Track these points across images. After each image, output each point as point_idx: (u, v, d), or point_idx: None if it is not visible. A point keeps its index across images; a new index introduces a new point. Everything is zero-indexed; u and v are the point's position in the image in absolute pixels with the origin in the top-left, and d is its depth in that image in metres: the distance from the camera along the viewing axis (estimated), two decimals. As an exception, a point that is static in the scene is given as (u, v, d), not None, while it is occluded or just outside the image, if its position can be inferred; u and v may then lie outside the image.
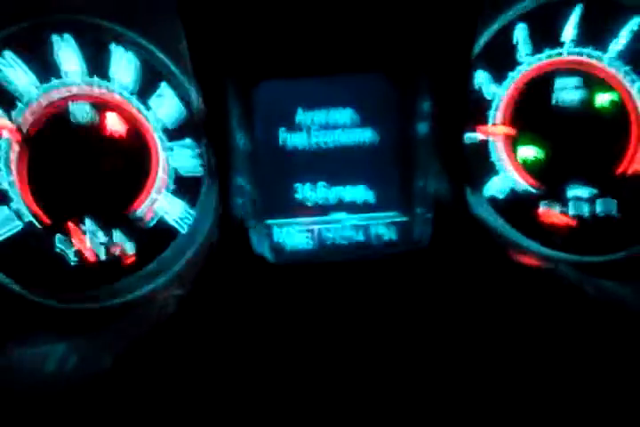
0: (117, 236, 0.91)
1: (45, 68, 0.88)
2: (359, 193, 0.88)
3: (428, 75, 0.80)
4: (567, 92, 0.97)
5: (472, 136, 0.96)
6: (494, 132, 0.97)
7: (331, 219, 0.87)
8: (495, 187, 0.98)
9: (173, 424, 0.68)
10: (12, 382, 0.73)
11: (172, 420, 0.68)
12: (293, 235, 0.87)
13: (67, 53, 0.89)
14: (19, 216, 0.90)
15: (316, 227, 0.87)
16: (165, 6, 0.79)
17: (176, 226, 0.93)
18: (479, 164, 0.97)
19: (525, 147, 0.97)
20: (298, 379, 0.71)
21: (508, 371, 0.70)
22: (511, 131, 0.97)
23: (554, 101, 0.97)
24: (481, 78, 0.96)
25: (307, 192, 0.87)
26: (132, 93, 0.90)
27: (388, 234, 0.88)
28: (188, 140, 0.92)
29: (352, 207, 0.87)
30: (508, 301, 0.76)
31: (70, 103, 0.90)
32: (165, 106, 0.91)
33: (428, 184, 0.83)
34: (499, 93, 0.97)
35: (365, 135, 0.87)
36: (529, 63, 0.96)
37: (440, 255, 0.81)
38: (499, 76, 0.96)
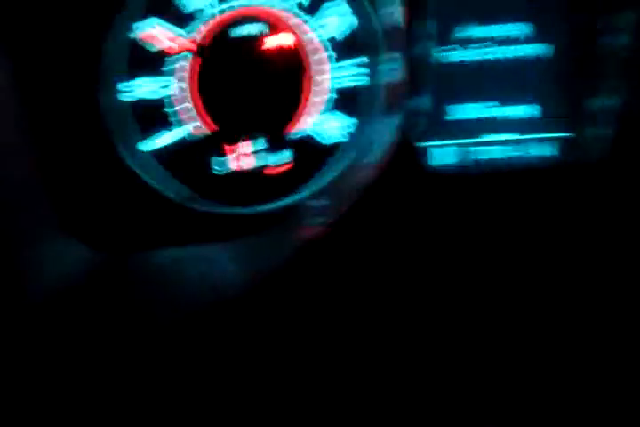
0: (280, 152, 0.94)
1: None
2: (531, 111, 0.86)
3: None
4: None
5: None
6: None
7: (501, 138, 0.87)
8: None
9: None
10: (187, 284, 0.79)
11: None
12: (463, 153, 0.87)
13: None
14: (187, 124, 0.91)
15: (483, 146, 0.87)
16: None
17: (337, 139, 0.94)
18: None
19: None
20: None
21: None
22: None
23: None
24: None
25: (477, 111, 0.87)
26: (306, 11, 0.90)
27: (561, 150, 0.87)
28: (360, 59, 0.91)
29: (525, 126, 0.87)
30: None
31: (245, 21, 0.90)
32: (340, 23, 0.89)
33: (616, 100, 0.81)
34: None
35: (542, 49, 0.84)
36: None
37: (619, 170, 0.80)
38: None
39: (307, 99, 0.92)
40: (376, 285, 0.81)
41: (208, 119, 0.91)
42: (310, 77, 0.91)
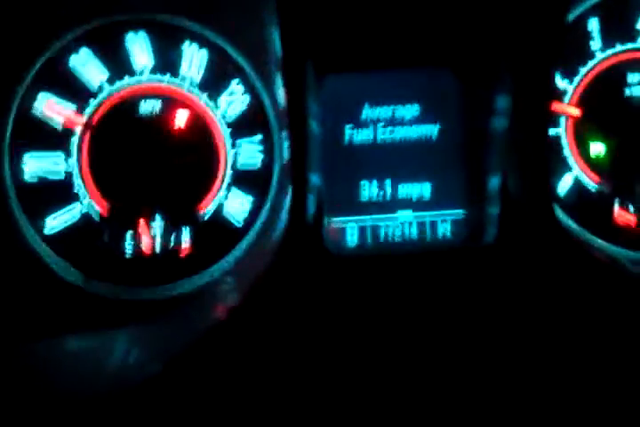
0: (181, 232, 0.92)
1: (118, 66, 0.89)
2: (424, 190, 0.87)
3: (510, 71, 0.79)
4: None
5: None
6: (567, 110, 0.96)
7: (396, 216, 0.87)
8: (566, 184, 0.96)
9: (239, 419, 0.69)
10: (73, 376, 0.74)
11: (237, 416, 0.69)
12: (359, 234, 0.87)
13: (140, 50, 0.90)
14: (79, 205, 0.90)
15: (380, 224, 0.87)
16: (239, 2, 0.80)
17: (238, 218, 0.93)
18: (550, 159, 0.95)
19: (594, 143, 0.96)
20: (367, 365, 0.71)
21: (580, 367, 0.70)
22: (579, 112, 0.96)
23: (625, 96, 0.95)
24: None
25: (373, 190, 0.87)
26: (202, 91, 0.91)
27: (453, 231, 0.87)
28: (256, 137, 0.93)
29: (418, 205, 0.87)
30: (584, 297, 0.75)
31: (140, 99, 0.91)
32: (235, 103, 0.92)
33: (500, 181, 0.82)
34: (569, 88, 0.95)
35: (430, 130, 0.86)
36: (600, 58, 0.94)
37: (508, 252, 0.81)
38: (570, 71, 0.95)
39: (213, 176, 0.92)
40: (282, 364, 0.77)
41: (101, 198, 0.90)
42: (215, 155, 0.93)
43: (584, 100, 0.96)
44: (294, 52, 0.77)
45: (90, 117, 0.89)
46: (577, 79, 0.95)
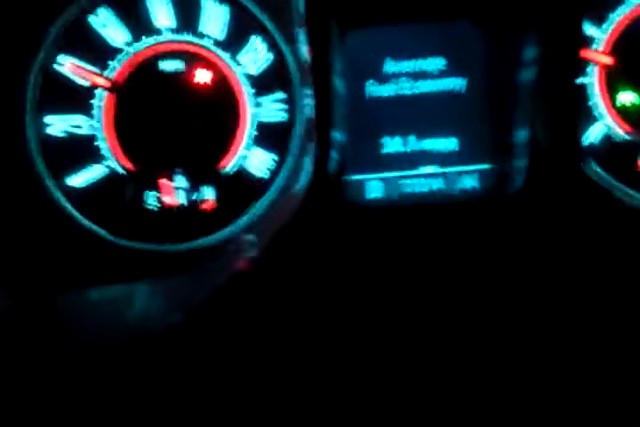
0: (204, 189, 0.93)
1: (139, 25, 0.89)
2: (450, 144, 0.86)
3: (536, 21, 0.77)
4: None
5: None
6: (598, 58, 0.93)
7: (420, 172, 0.87)
8: (593, 134, 0.94)
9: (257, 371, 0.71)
10: (93, 325, 0.77)
11: (254, 368, 0.71)
12: (383, 188, 0.87)
13: (159, 9, 0.89)
14: (103, 162, 0.92)
15: (405, 178, 0.87)
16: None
17: (260, 175, 0.94)
18: (578, 109, 0.93)
19: (624, 92, 0.93)
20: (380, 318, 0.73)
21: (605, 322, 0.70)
22: (610, 60, 0.93)
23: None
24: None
25: (396, 145, 0.86)
26: (222, 48, 0.91)
27: (480, 183, 0.87)
28: (278, 94, 0.92)
29: (444, 159, 0.86)
30: (612, 245, 0.75)
31: (162, 58, 0.90)
32: (256, 60, 0.91)
33: (528, 133, 0.81)
34: (598, 35, 0.92)
35: (456, 84, 0.85)
36: (633, 4, 0.91)
37: (535, 201, 0.80)
38: (600, 18, 0.91)
39: (235, 134, 0.92)
40: (305, 318, 0.79)
41: (125, 157, 0.91)
42: (237, 113, 0.92)
43: (616, 48, 0.92)
44: (317, 8, 0.76)
45: (112, 78, 0.89)
46: (608, 26, 0.92)
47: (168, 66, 0.90)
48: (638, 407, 0.67)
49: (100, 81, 0.89)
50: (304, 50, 0.80)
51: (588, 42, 0.92)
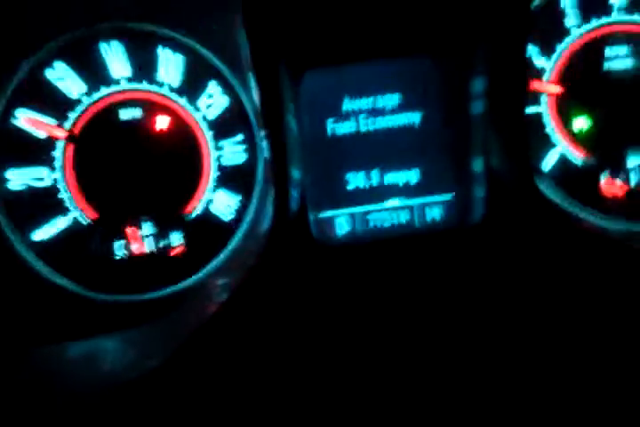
0: (172, 235, 0.93)
1: (95, 75, 0.89)
2: (413, 176, 0.87)
3: (484, 53, 0.79)
4: (618, 60, 0.95)
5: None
6: (546, 88, 0.96)
7: (386, 206, 0.87)
8: (552, 160, 0.96)
9: (233, 416, 0.69)
10: (69, 381, 0.75)
11: (231, 412, 0.69)
12: (351, 223, 0.87)
13: (116, 59, 0.90)
14: (67, 213, 0.91)
15: (369, 212, 0.87)
16: (208, 4, 0.80)
17: (226, 217, 0.94)
18: (534, 137, 0.95)
19: (577, 118, 0.96)
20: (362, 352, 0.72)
21: (575, 341, 0.70)
22: (559, 89, 0.96)
23: (604, 70, 0.95)
24: (529, 51, 0.93)
25: (361, 180, 0.87)
26: (180, 94, 0.91)
27: (442, 214, 0.88)
28: (239, 136, 0.93)
29: (407, 191, 0.87)
30: (575, 271, 0.75)
31: (120, 107, 0.91)
32: (214, 104, 0.92)
33: (484, 162, 0.82)
34: (547, 66, 0.95)
35: (413, 117, 0.86)
36: (577, 34, 0.94)
37: (496, 230, 0.81)
38: (547, 49, 0.95)
39: (199, 178, 0.92)
40: (280, 359, 0.78)
41: (89, 208, 0.90)
42: (199, 157, 0.93)
43: (564, 77, 0.96)
44: (265, 52, 0.77)
45: (71, 129, 0.89)
46: (555, 57, 0.95)
47: (127, 114, 0.91)
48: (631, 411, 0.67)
49: (57, 133, 0.89)
50: (255, 94, 0.81)
51: (539, 73, 0.96)
